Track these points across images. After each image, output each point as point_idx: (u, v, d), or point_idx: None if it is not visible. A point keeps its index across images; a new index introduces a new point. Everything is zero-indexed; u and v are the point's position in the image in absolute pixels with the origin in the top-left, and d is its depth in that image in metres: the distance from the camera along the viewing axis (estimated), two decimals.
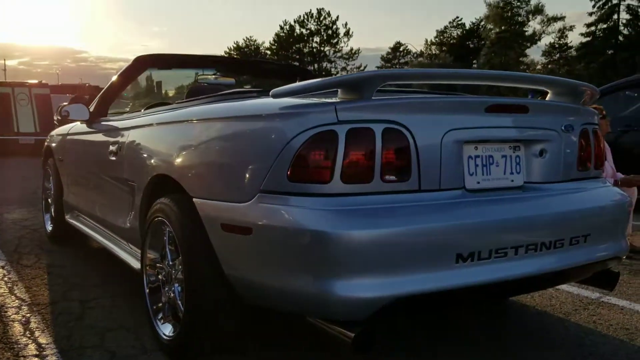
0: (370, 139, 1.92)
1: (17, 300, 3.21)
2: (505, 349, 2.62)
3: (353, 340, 1.84)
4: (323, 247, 1.82)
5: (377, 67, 62.28)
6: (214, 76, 4.19)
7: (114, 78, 3.89)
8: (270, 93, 2.03)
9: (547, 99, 2.64)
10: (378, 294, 1.85)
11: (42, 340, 2.64)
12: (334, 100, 1.96)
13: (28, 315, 2.98)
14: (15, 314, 2.99)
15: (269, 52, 64.17)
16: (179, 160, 2.42)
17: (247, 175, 2.04)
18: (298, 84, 2.02)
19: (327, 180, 1.88)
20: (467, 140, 2.15)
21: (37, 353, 2.50)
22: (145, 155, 2.77)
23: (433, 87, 4.11)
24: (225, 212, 2.09)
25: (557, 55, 53.20)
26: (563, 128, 2.38)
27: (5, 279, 3.63)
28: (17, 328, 2.79)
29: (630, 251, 4.46)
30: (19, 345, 2.57)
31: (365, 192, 1.93)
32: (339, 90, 2.02)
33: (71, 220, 4.24)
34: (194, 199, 2.27)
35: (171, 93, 5.56)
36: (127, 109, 4.37)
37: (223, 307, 2.22)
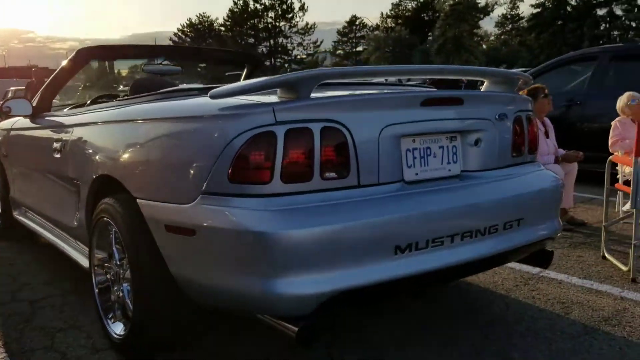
0: (308, 138, 1.96)
1: None
2: (448, 326, 2.74)
3: (296, 335, 1.91)
4: (263, 248, 1.87)
5: (334, 42, 62.08)
6: (161, 64, 4.14)
7: (56, 72, 3.81)
8: (208, 94, 2.04)
9: (483, 88, 2.74)
10: (318, 290, 1.91)
11: None
12: (272, 100, 1.99)
13: None
14: None
15: (222, 28, 63.16)
16: (121, 161, 2.42)
17: (189, 177, 2.06)
18: (237, 84, 2.04)
19: (267, 180, 1.92)
20: (404, 134, 2.21)
21: None
22: (88, 154, 2.75)
23: None
24: (169, 213, 2.12)
25: (510, 26, 54.09)
26: (497, 117, 2.47)
27: None
28: None
29: (571, 224, 4.70)
30: None
31: (305, 191, 1.97)
32: (278, 89, 2.05)
33: (19, 217, 4.17)
34: (137, 200, 2.28)
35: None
36: (72, 102, 4.30)
37: (171, 307, 2.25)
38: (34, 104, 3.73)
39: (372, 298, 2.31)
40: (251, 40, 59.57)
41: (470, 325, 2.77)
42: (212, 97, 2.03)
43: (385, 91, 2.41)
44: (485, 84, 2.72)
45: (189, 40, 67.43)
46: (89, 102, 3.72)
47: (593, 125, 6.47)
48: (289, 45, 59.80)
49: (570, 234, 4.50)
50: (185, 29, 67.63)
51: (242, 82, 2.03)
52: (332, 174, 2.02)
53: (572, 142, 6.16)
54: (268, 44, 58.98)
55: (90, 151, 2.74)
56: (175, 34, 68.98)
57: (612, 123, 4.88)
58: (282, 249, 1.87)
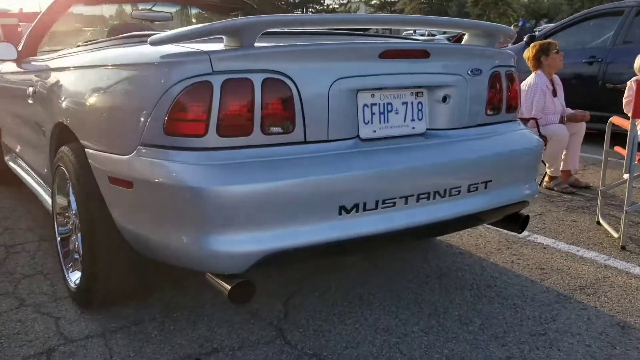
0: (248, 90, 1.85)
1: None
2: (414, 288, 2.66)
3: (229, 293, 1.86)
4: (196, 203, 1.79)
5: None
6: (150, 9, 4.02)
7: (40, 15, 3.74)
8: (148, 40, 1.94)
9: (463, 41, 2.57)
10: (252, 249, 1.84)
11: None
12: (209, 49, 1.88)
13: None
14: None
15: None
16: (73, 109, 2.36)
17: (129, 128, 1.98)
18: (177, 30, 1.93)
19: (202, 133, 1.83)
20: (361, 88, 2.08)
21: None
22: (50, 101, 2.69)
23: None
24: (111, 164, 2.05)
25: None
26: (469, 72, 2.32)
27: None
28: None
29: (575, 186, 4.52)
30: None
31: (244, 146, 1.88)
32: (224, 37, 1.93)
33: (9, 162, 4.19)
34: (85, 150, 2.22)
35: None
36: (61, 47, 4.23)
37: (119, 258, 2.22)
38: (19, 49, 3.68)
39: (310, 258, 2.24)
40: None
41: (438, 289, 2.68)
42: (152, 43, 1.92)
43: (340, 42, 2.26)
44: (465, 37, 2.55)
45: None
46: (67, 49, 3.65)
47: (614, 84, 6.15)
48: None
49: (571, 197, 4.33)
50: None
51: (183, 29, 1.91)
52: (275, 129, 1.92)
53: (592, 101, 5.93)
54: None
55: (52, 98, 2.68)
56: None
57: (628, 83, 4.61)
58: (215, 206, 1.79)
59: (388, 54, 2.09)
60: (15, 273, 2.84)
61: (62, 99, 2.51)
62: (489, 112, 2.44)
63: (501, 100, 2.47)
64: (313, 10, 58.00)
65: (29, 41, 3.72)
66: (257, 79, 1.86)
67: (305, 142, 1.97)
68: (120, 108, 2.07)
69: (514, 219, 2.59)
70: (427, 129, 2.28)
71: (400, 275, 2.84)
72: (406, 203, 2.09)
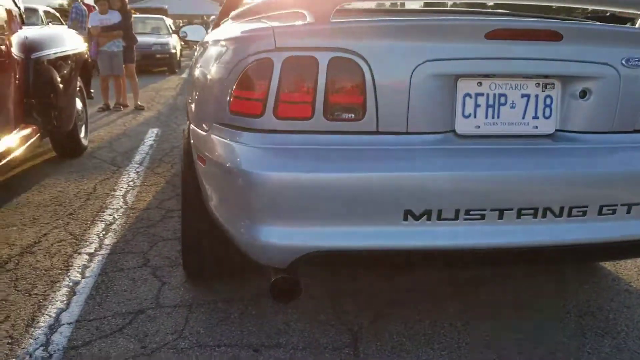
0: (311, 69, 1.67)
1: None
2: (537, 325, 2.19)
3: (270, 287, 1.72)
4: (245, 188, 1.68)
5: None
6: None
7: None
8: (230, 15, 1.87)
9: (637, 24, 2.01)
10: (297, 244, 1.67)
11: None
12: (278, 24, 1.73)
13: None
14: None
15: None
16: (189, 85, 2.42)
17: (210, 104, 1.94)
18: (255, 3, 1.83)
19: (258, 113, 1.70)
20: (463, 74, 1.74)
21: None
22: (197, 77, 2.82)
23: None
24: (197, 140, 2.05)
25: None
26: (624, 62, 1.79)
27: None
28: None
29: None
30: None
31: (304, 130, 1.70)
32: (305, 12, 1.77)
33: None
34: (190, 126, 2.26)
35: None
36: None
37: (206, 233, 2.21)
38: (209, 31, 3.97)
39: (365, 265, 1.95)
40: None
41: (568, 329, 2.17)
42: (233, 18, 1.85)
43: (431, 19, 1.90)
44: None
45: None
46: None
47: None
48: None
49: None
50: None
51: (260, 2, 1.80)
52: (340, 115, 1.70)
53: None
54: None
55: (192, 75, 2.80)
56: None
57: None
58: (261, 192, 1.66)
59: (498, 34, 1.70)
60: (158, 235, 3.06)
61: (188, 76, 2.60)
62: None
63: None
64: None
65: (216, 22, 3.98)
66: (323, 58, 1.66)
67: (377, 132, 1.72)
68: (206, 84, 2.04)
69: None
70: (557, 130, 1.83)
71: (504, 297, 2.37)
72: (501, 218, 1.70)
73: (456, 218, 1.68)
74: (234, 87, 1.74)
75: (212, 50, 2.10)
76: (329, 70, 1.66)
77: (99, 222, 3.28)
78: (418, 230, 1.67)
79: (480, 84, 1.77)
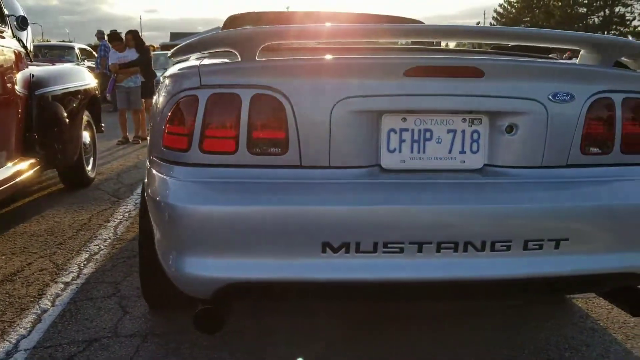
0: (234, 105, 1.73)
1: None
2: None
3: (193, 318, 1.76)
4: (170, 220, 1.74)
5: None
6: None
7: None
8: (168, 54, 1.96)
9: (578, 60, 2.02)
10: (216, 275, 1.72)
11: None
12: (204, 62, 1.81)
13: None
14: None
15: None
16: None
17: (152, 139, 2.02)
18: (189, 41, 1.91)
19: (186, 148, 1.77)
20: (387, 110, 1.78)
21: None
22: None
23: None
24: (146, 173, 2.12)
25: None
26: (551, 97, 1.80)
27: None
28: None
29: None
30: None
31: (228, 164, 1.76)
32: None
33: None
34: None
35: None
36: None
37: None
38: None
39: (286, 297, 1.96)
40: (582, 9, 53.87)
41: None
42: (169, 57, 1.94)
43: (351, 57, 1.94)
44: (580, 53, 2.01)
45: (513, 11, 64.90)
46: None
47: None
48: (628, 14, 52.13)
49: None
50: (512, 0, 65.26)
51: (192, 40, 1.88)
52: (263, 149, 1.76)
53: None
54: (602, 13, 52.51)
55: None
56: (500, 5, 67.14)
57: None
58: (183, 224, 1.71)
59: (417, 72, 1.74)
60: (135, 266, 3.13)
61: None
62: (590, 151, 1.86)
63: (612, 136, 1.86)
64: (616, 33, 52.35)
65: None
66: (245, 95, 1.73)
67: (300, 166, 1.76)
68: (151, 120, 2.13)
69: (627, 296, 1.93)
70: (486, 165, 1.84)
71: (491, 349, 2.34)
72: (420, 251, 1.71)
73: (374, 251, 1.70)
74: (166, 122, 1.82)
75: (160, 87, 2.19)
76: (251, 107, 1.73)
77: (84, 252, 3.38)
78: (336, 263, 1.69)
79: (404, 119, 1.80)
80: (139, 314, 2.56)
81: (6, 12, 3.98)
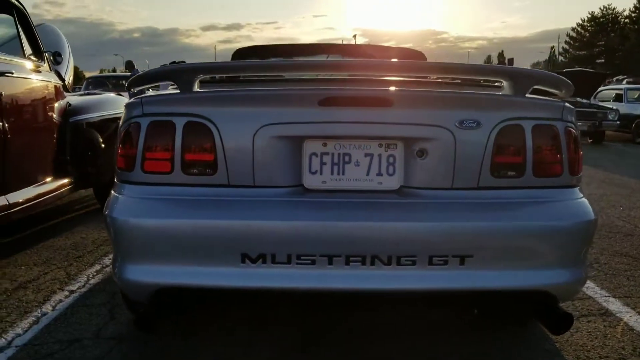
0: (170, 131, 1.99)
1: None
2: None
3: (134, 320, 1.99)
4: (115, 232, 2.00)
5: None
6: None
7: None
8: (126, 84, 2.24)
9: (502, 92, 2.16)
10: (149, 280, 1.95)
11: None
12: (148, 94, 2.08)
13: None
14: None
15: (627, 20, 56.79)
16: None
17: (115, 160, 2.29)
18: (136, 75, 2.19)
19: (131, 169, 2.04)
20: (308, 135, 1.99)
21: None
22: None
23: None
24: None
25: None
26: (457, 124, 1.94)
27: None
28: None
29: None
30: None
31: (165, 183, 2.01)
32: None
33: None
34: None
35: None
36: None
37: None
38: None
39: (212, 300, 2.15)
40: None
41: None
42: (126, 87, 2.22)
43: (273, 88, 2.15)
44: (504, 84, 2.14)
45: (587, 35, 63.04)
46: None
47: None
48: None
49: None
50: (585, 23, 63.49)
51: (140, 73, 2.16)
52: (195, 170, 1.99)
53: None
54: None
55: None
56: (573, 29, 65.46)
57: None
58: (126, 235, 1.97)
59: (330, 102, 1.94)
60: None
61: None
62: (501, 174, 1.98)
63: (523, 161, 1.98)
64: None
65: None
66: (179, 122, 1.98)
67: (228, 185, 1.98)
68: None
69: (547, 315, 2.01)
70: (403, 186, 2.00)
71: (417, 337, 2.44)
72: (330, 264, 1.88)
73: (289, 262, 1.88)
74: (119, 145, 2.10)
75: None
76: (184, 133, 1.98)
77: (96, 265, 3.72)
78: (253, 272, 1.89)
79: (325, 144, 1.99)
80: (123, 320, 2.83)
81: (44, 49, 4.45)
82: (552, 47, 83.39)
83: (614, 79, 24.33)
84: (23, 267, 3.67)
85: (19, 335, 2.67)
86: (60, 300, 3.10)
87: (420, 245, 1.88)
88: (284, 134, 1.96)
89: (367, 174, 2.00)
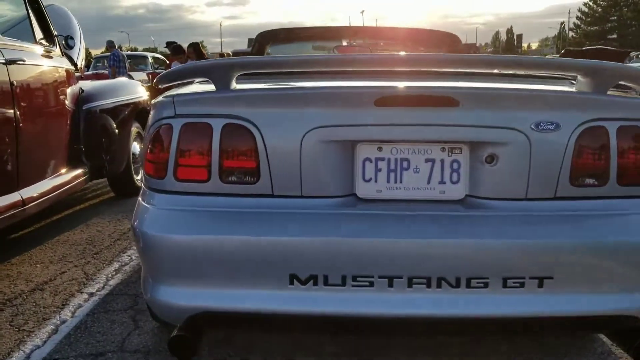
0: (206, 135, 1.76)
1: None
2: None
3: (168, 343, 1.79)
4: (146, 249, 1.79)
5: None
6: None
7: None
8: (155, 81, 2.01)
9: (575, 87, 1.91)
10: (186, 303, 1.74)
11: None
12: (180, 92, 1.85)
13: None
14: None
15: None
16: None
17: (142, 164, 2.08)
18: (168, 71, 1.96)
19: (162, 176, 1.81)
20: (362, 139, 1.75)
21: None
22: None
23: None
24: None
25: None
26: (533, 126, 1.71)
27: None
28: None
29: None
30: None
31: (201, 192, 1.78)
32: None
33: None
34: None
35: None
36: None
37: None
38: None
39: (255, 327, 1.94)
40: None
41: None
42: (154, 85, 1.99)
43: (323, 86, 1.90)
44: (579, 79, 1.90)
45: (599, 10, 61.90)
46: None
47: None
48: None
49: None
50: None
51: (170, 70, 1.93)
52: (235, 178, 1.77)
53: None
54: None
55: None
56: (585, 4, 64.29)
57: None
58: (160, 252, 1.76)
59: (387, 101, 1.70)
60: None
61: None
62: (581, 182, 1.75)
63: (606, 167, 1.74)
64: None
65: None
66: (216, 124, 1.75)
67: (272, 195, 1.76)
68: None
69: (629, 337, 1.79)
70: (468, 196, 1.77)
71: None
72: (391, 286, 1.66)
73: (343, 284, 1.67)
74: (147, 149, 1.87)
75: None
76: (222, 136, 1.75)
77: (115, 263, 3.53)
78: (303, 295, 1.68)
79: (380, 149, 1.76)
80: (148, 328, 2.63)
81: (55, 32, 4.21)
82: (562, 23, 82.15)
83: (634, 55, 23.71)
84: (39, 266, 3.48)
85: (37, 347, 2.49)
86: (80, 305, 2.91)
87: (493, 266, 1.66)
88: (336, 137, 1.73)
89: (428, 182, 1.77)
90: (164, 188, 1.81)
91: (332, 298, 1.68)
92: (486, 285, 1.66)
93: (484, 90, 1.86)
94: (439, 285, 1.66)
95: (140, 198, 1.93)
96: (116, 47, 13.39)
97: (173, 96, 1.82)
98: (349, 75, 2.06)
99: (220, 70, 1.77)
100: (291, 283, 1.68)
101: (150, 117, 1.92)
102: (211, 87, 1.82)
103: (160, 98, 1.92)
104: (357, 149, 1.76)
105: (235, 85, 1.81)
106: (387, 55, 1.86)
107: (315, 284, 1.67)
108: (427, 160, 1.76)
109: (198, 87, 2.00)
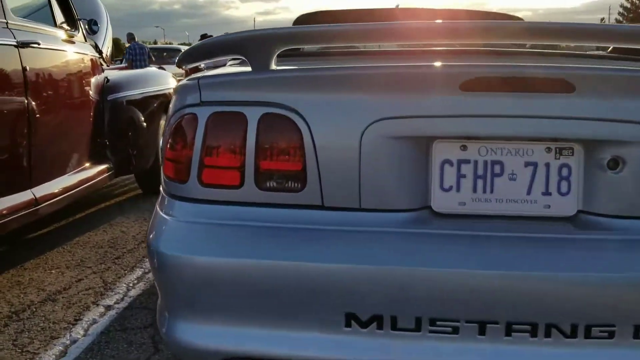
0: (239, 127, 1.36)
1: None
2: None
3: None
4: (160, 271, 1.40)
5: None
6: None
7: None
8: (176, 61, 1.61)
9: None
10: (209, 346, 1.35)
11: None
12: (203, 74, 1.45)
13: None
14: None
15: None
16: None
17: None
18: (190, 47, 1.56)
19: (184, 179, 1.42)
20: (440, 135, 1.33)
21: None
22: None
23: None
24: None
25: None
26: None
27: None
28: None
29: None
30: None
31: (233, 201, 1.38)
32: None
33: None
34: None
35: None
36: None
37: None
38: None
39: None
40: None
41: None
42: (177, 64, 1.60)
43: (395, 65, 1.47)
44: None
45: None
46: None
47: None
48: None
49: None
50: None
51: (196, 44, 1.53)
52: (276, 184, 1.36)
53: None
54: None
55: None
56: None
57: None
58: (178, 279, 1.37)
59: (478, 85, 1.27)
60: None
61: None
62: None
63: None
64: None
65: None
66: (252, 114, 1.35)
67: (322, 207, 1.35)
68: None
69: None
70: (580, 212, 1.33)
71: None
72: (482, 334, 1.24)
73: (418, 329, 1.25)
74: (167, 147, 1.48)
75: None
76: (259, 129, 1.34)
77: (137, 270, 3.18)
78: (364, 342, 1.27)
79: (464, 147, 1.34)
80: (169, 353, 2.26)
81: (77, 16, 3.88)
82: (602, 19, 79.55)
83: None
84: (54, 272, 3.15)
85: None
86: (94, 321, 2.56)
87: (620, 309, 1.23)
88: (407, 132, 1.31)
89: (528, 193, 1.34)
90: (186, 195, 1.42)
91: (402, 347, 1.27)
92: (611, 335, 1.23)
93: (609, 71, 1.41)
94: (547, 334, 1.23)
95: (157, 206, 1.55)
96: (136, 40, 13.18)
97: (198, 78, 1.42)
98: (421, 54, 1.64)
99: (257, 45, 1.36)
100: (347, 325, 1.27)
101: (171, 105, 1.53)
102: (247, 68, 1.43)
103: (184, 81, 1.53)
104: (433, 148, 1.34)
105: (276, 65, 1.40)
106: (487, 22, 1.42)
107: (380, 327, 1.26)
108: (527, 164, 1.33)
109: (230, 69, 1.60)
